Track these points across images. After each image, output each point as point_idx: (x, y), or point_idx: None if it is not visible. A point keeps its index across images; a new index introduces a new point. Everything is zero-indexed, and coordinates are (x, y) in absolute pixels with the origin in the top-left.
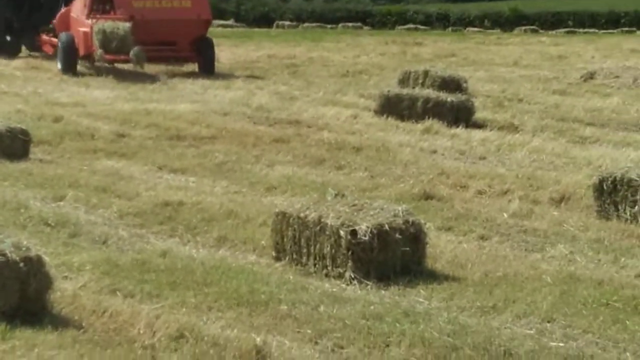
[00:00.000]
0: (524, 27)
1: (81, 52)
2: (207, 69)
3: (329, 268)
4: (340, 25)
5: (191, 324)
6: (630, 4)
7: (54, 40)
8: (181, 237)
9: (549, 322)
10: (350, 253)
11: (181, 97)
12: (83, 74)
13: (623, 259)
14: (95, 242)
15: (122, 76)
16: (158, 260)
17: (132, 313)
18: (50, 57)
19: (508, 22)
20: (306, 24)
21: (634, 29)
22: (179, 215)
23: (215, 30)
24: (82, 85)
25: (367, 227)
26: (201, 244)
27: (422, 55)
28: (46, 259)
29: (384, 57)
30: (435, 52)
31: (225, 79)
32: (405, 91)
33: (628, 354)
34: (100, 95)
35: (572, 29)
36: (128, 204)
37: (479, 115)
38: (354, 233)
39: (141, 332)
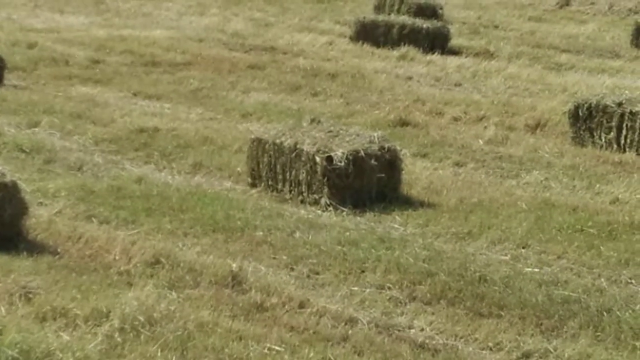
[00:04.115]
0: None
1: None
2: None
3: (305, 194)
4: None
5: (167, 250)
6: None
7: None
8: (156, 164)
9: (523, 247)
10: (325, 179)
11: (156, 24)
12: None
13: (598, 185)
14: (70, 169)
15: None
16: (133, 186)
17: (107, 239)
18: None
19: None
20: None
21: None
22: (154, 141)
23: None
24: (56, 11)
25: (343, 153)
26: (177, 170)
27: None
28: (21, 185)
29: None
30: None
31: (200, 4)
32: (380, 17)
33: (602, 279)
34: (74, 21)
35: None
36: (103, 130)
37: (455, 41)
38: (329, 159)
39: (117, 258)
